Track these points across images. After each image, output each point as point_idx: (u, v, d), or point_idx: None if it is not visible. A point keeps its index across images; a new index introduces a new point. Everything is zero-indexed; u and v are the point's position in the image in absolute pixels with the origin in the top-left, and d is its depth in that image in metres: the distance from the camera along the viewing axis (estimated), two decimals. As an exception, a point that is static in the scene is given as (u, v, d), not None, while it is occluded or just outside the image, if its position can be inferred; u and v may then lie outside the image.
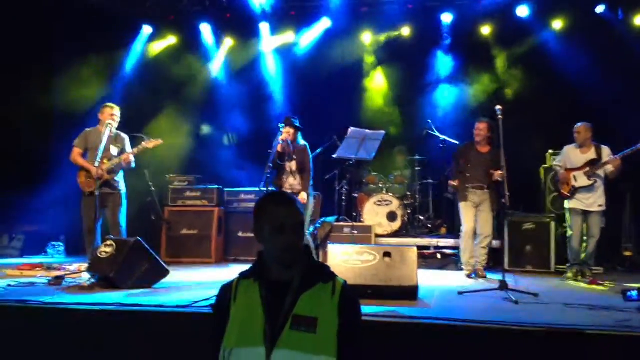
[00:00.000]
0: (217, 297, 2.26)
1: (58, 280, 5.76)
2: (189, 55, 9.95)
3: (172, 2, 9.86)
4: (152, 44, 10.03)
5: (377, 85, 9.90)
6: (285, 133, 6.41)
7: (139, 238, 5.72)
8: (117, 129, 6.82)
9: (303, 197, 6.37)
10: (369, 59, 9.94)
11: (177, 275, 6.44)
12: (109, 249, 5.67)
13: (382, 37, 9.76)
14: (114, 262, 5.50)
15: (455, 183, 6.93)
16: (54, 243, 8.86)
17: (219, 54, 10.05)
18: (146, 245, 5.70)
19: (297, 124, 6.54)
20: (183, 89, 9.81)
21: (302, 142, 6.63)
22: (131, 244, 5.61)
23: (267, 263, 2.19)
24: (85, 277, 5.84)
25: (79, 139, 6.75)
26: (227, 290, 2.22)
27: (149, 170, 8.02)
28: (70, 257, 8.37)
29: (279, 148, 6.39)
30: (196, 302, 4.58)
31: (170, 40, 10.10)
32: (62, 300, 4.76)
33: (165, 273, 5.77)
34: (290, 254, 2.12)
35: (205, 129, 10.40)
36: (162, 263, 5.87)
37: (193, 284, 5.94)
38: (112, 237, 6.06)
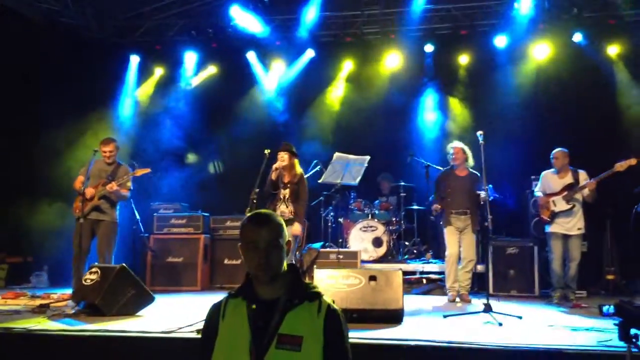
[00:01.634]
0: (206, 315, 2.30)
1: (43, 308, 5.72)
2: (174, 84, 10.07)
3: (160, 32, 10.02)
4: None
5: (361, 111, 10.03)
6: (280, 160, 6.40)
7: (124, 264, 5.70)
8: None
9: (296, 228, 6.33)
10: (354, 86, 10.11)
11: (163, 302, 6.41)
12: (93, 276, 5.64)
13: (366, 67, 9.95)
14: (98, 289, 5.47)
15: (437, 207, 7.02)
16: (37, 273, 8.78)
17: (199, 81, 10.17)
18: (131, 272, 5.68)
19: (294, 151, 6.55)
20: (170, 117, 9.87)
21: (299, 170, 6.59)
22: (116, 271, 5.59)
23: (254, 282, 2.24)
24: (71, 305, 5.79)
25: (82, 167, 6.96)
26: (216, 309, 2.26)
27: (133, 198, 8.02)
28: (54, 287, 8.29)
29: (272, 175, 6.38)
30: (181, 327, 4.57)
31: (158, 72, 10.22)
32: (47, 327, 4.73)
33: (150, 299, 5.74)
34: (262, 271, 2.17)
35: (192, 157, 10.44)
36: (147, 289, 5.84)
37: (178, 311, 5.92)
38: (97, 264, 6.04)
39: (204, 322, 2.31)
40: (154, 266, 8.33)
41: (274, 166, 6.39)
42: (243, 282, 2.27)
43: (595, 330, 4.72)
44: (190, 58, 10.07)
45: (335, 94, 10.11)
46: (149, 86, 10.21)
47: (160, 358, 4.23)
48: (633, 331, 2.35)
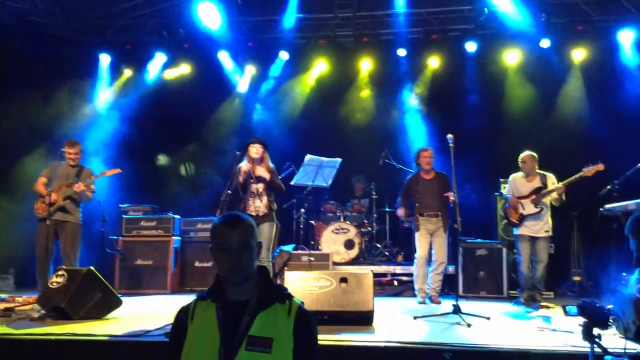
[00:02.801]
0: (174, 318, 2.28)
1: (7, 312, 5.58)
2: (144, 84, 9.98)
3: (131, 32, 9.90)
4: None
5: (334, 113, 10.07)
6: (255, 152, 6.30)
7: (92, 267, 5.61)
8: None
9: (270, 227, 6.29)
10: (329, 87, 10.14)
11: (131, 305, 6.33)
12: (60, 279, 5.53)
13: (339, 69, 9.98)
14: (65, 292, 5.37)
15: (401, 212, 7.10)
16: (3, 276, 8.57)
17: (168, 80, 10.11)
18: (99, 275, 5.59)
19: (266, 144, 6.48)
20: (138, 117, 9.75)
21: (270, 163, 6.50)
22: (83, 274, 5.49)
23: (224, 284, 2.23)
24: (36, 308, 5.67)
25: (45, 169, 6.86)
26: (184, 312, 2.25)
27: (102, 200, 7.90)
28: (21, 290, 8.11)
29: (245, 167, 6.26)
30: (149, 331, 4.51)
31: (127, 73, 10.10)
32: (11, 332, 4.62)
33: (119, 303, 5.66)
34: (233, 273, 2.16)
35: (162, 159, 10.34)
36: (115, 293, 5.76)
37: (146, 314, 5.84)
38: (64, 266, 5.93)
39: (172, 324, 2.28)
40: (122, 269, 8.19)
41: (240, 166, 6.27)
42: (212, 284, 2.26)
43: (561, 330, 4.80)
44: (160, 58, 9.95)
45: (308, 96, 10.11)
46: (119, 86, 10.06)
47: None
48: (596, 331, 2.39)
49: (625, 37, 8.81)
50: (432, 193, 6.91)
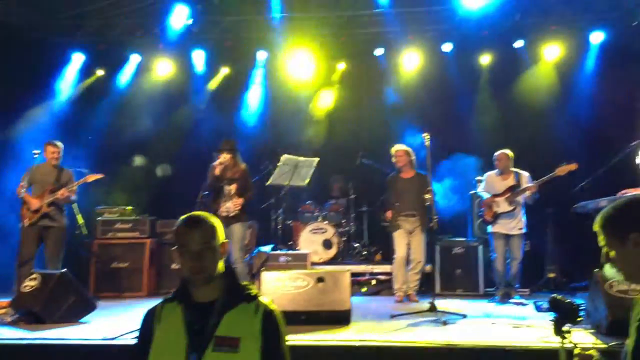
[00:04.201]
0: (142, 320, 2.28)
1: (-21, 317, 5.49)
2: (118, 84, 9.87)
3: (104, 31, 9.76)
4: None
5: (318, 111, 10.07)
6: (222, 158, 6.30)
7: (66, 270, 5.53)
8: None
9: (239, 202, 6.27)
10: (310, 87, 10.13)
11: (106, 308, 6.25)
12: (33, 283, 5.46)
13: (317, 68, 9.98)
14: (38, 296, 5.31)
15: (389, 214, 7.11)
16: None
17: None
18: (73, 278, 5.52)
19: (235, 148, 6.46)
20: (113, 118, 9.63)
21: (242, 164, 6.50)
22: (57, 277, 5.44)
23: (189, 285, 2.22)
24: (10, 312, 5.57)
25: (25, 174, 6.82)
26: (151, 314, 2.25)
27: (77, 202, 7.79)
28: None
29: (216, 171, 6.25)
30: (123, 334, 4.47)
31: (98, 73, 9.98)
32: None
33: (93, 306, 5.60)
34: (195, 274, 2.16)
35: (138, 160, 10.23)
36: (90, 296, 5.69)
37: (121, 317, 5.78)
38: (37, 270, 5.85)
39: (139, 327, 2.27)
40: (98, 272, 8.07)
41: (218, 161, 6.26)
42: (178, 285, 2.26)
43: (535, 326, 4.87)
44: (134, 58, 9.85)
45: (286, 95, 10.08)
46: (92, 85, 9.91)
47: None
48: (566, 326, 2.41)
49: (595, 38, 8.93)
50: (410, 193, 6.94)
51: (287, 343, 2.24)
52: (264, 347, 2.11)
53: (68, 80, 9.71)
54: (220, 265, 2.23)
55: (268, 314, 2.18)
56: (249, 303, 2.18)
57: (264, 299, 2.23)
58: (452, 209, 8.30)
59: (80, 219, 7.56)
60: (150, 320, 2.22)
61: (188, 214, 2.27)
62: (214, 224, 2.24)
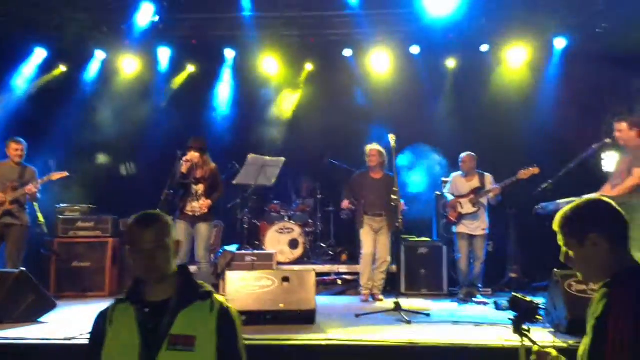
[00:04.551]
0: (93, 323, 2.24)
1: None
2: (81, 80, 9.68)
3: (67, 27, 9.54)
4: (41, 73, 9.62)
5: (285, 111, 10.04)
6: (190, 156, 6.17)
7: (24, 269, 5.40)
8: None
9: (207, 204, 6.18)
10: (278, 87, 10.09)
11: (67, 308, 6.13)
12: (-10, 282, 5.30)
13: (285, 69, 9.96)
14: (-5, 296, 5.15)
15: (345, 204, 7.16)
16: None
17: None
18: (31, 277, 5.39)
19: (204, 147, 6.33)
20: (78, 115, 9.43)
21: (212, 164, 6.40)
22: (15, 276, 5.30)
23: (142, 285, 2.19)
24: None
25: None
26: (103, 316, 2.22)
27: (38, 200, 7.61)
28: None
29: (183, 168, 6.12)
30: (82, 334, 4.37)
31: (61, 68, 9.75)
32: None
33: (52, 306, 5.47)
34: (148, 273, 2.15)
35: (102, 157, 10.05)
36: (49, 295, 5.56)
37: (81, 317, 5.66)
38: (-5, 269, 5.69)
39: (90, 330, 2.23)
40: (59, 271, 7.88)
41: (185, 158, 6.12)
42: (130, 285, 2.22)
43: (497, 325, 4.94)
44: (99, 55, 9.66)
45: (253, 95, 10.03)
46: (55, 82, 9.67)
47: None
48: (526, 325, 2.45)
49: (559, 43, 9.12)
50: (378, 193, 6.99)
51: (243, 341, 2.23)
52: (220, 345, 2.10)
53: (27, 76, 9.46)
54: (174, 264, 2.20)
55: (224, 312, 2.17)
56: (204, 301, 2.17)
57: (219, 297, 2.22)
58: (417, 210, 8.36)
59: (40, 218, 7.38)
60: (101, 322, 2.19)
61: (140, 213, 2.24)
62: (166, 222, 2.22)
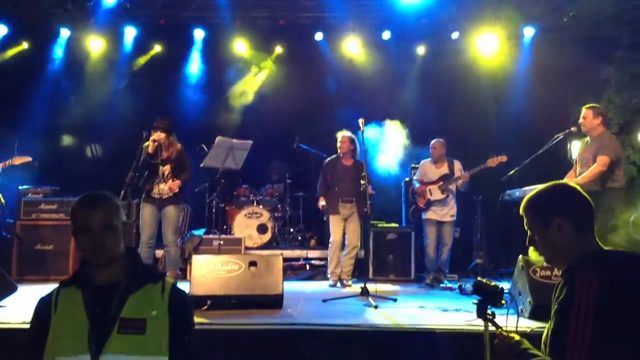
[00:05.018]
0: (34, 310, 2.16)
1: None
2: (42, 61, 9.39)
3: (31, 4, 9.23)
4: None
5: (255, 94, 9.93)
6: (156, 136, 6.03)
7: (-18, 252, 5.24)
8: None
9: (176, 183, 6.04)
10: (249, 69, 9.97)
11: (28, 292, 5.95)
12: (-54, 265, 5.13)
13: (255, 51, 9.84)
14: (-49, 279, 4.99)
15: (322, 202, 7.13)
16: None
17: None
18: (-10, 260, 5.24)
19: (170, 127, 6.21)
20: (37, 95, 9.18)
21: (178, 144, 6.26)
22: (-27, 259, 5.13)
23: (89, 268, 2.12)
24: None
25: None
26: (45, 303, 2.14)
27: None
28: None
29: (149, 149, 5.97)
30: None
31: (24, 45, 9.43)
32: None
33: (12, 289, 5.32)
34: (96, 256, 2.07)
35: (67, 139, 9.81)
36: (10, 278, 5.41)
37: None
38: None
39: (31, 318, 2.15)
40: (21, 254, 7.68)
41: (152, 138, 5.98)
42: (77, 269, 2.15)
43: (463, 310, 4.99)
44: (64, 33, 9.37)
45: (224, 77, 9.89)
46: (16, 59, 9.36)
47: (20, 349, 3.91)
48: (490, 309, 2.46)
49: (528, 32, 9.20)
50: (349, 179, 6.99)
51: (194, 324, 2.21)
52: (172, 327, 2.06)
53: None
54: (122, 247, 2.14)
55: (175, 294, 2.13)
56: (155, 284, 2.11)
57: (170, 279, 2.17)
58: (386, 196, 8.38)
59: (1, 198, 7.18)
60: (45, 311, 2.11)
61: (86, 193, 2.16)
62: (115, 202, 2.15)
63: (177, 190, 6.07)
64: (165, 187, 6.06)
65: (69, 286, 2.12)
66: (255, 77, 10.02)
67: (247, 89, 9.89)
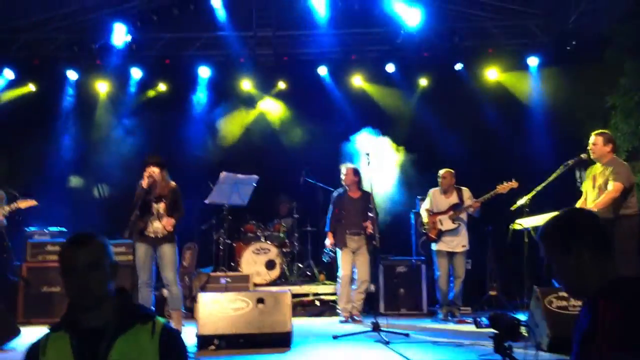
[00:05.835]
0: (24, 356, 2.07)
1: None
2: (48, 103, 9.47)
3: (39, 47, 9.39)
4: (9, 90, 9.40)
5: (257, 132, 9.94)
6: (151, 174, 5.81)
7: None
8: None
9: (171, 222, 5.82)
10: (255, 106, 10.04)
11: (34, 335, 5.85)
12: (-50, 309, 5.06)
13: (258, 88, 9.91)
14: (-45, 324, 4.91)
15: (330, 240, 7.05)
16: None
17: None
18: (-6, 303, 5.16)
19: (163, 163, 5.99)
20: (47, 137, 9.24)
21: (171, 182, 6.04)
22: (-24, 303, 5.05)
23: (76, 311, 2.04)
24: None
25: None
26: (34, 348, 2.06)
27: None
28: None
29: (144, 183, 5.76)
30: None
31: (30, 87, 9.54)
32: None
33: (16, 332, 5.23)
34: (80, 297, 1.99)
35: (74, 180, 9.82)
36: (13, 322, 5.32)
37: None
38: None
39: None
40: (27, 297, 7.59)
41: (145, 173, 5.78)
42: (64, 312, 2.06)
43: (478, 345, 4.84)
44: (71, 75, 9.48)
45: (229, 114, 9.92)
46: (24, 103, 9.45)
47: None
48: (507, 343, 2.36)
49: (532, 62, 9.23)
50: (357, 212, 6.92)
51: None
52: None
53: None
54: (111, 288, 2.06)
55: (166, 334, 2.03)
56: (144, 324, 2.02)
57: (161, 319, 2.08)
58: (395, 228, 8.28)
59: (7, 241, 7.13)
60: (33, 355, 2.02)
61: (74, 233, 2.09)
62: (101, 242, 2.07)
63: (171, 228, 5.90)
64: (160, 226, 5.83)
65: (58, 330, 2.04)
66: (259, 113, 10.05)
67: (251, 125, 9.90)
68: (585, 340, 1.77)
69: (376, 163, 6.47)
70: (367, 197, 6.87)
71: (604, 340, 1.69)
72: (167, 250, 5.75)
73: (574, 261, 1.92)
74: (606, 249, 1.94)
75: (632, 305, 1.75)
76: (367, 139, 8.66)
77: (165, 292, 6.67)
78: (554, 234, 2.01)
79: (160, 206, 5.84)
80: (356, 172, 7.05)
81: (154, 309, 5.80)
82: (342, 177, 7.10)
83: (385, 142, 8.76)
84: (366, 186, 7.03)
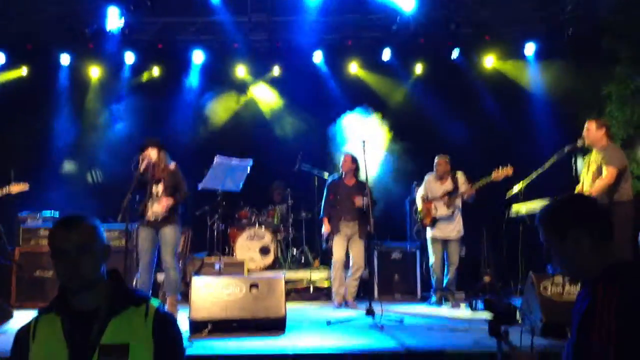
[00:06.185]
0: (13, 340, 2.05)
1: None
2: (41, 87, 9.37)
3: (32, 31, 9.25)
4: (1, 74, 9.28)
5: (252, 117, 9.88)
6: (149, 157, 5.73)
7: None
8: None
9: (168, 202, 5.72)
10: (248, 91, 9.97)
11: (26, 319, 5.83)
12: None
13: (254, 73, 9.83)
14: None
15: (326, 227, 7.04)
16: None
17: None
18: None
19: (161, 144, 5.93)
20: (40, 122, 9.15)
21: (171, 163, 5.96)
22: (-32, 287, 5.02)
23: (68, 293, 2.02)
24: None
25: None
26: (24, 331, 2.03)
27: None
28: None
29: (142, 165, 5.65)
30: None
31: (23, 70, 9.43)
32: None
33: (9, 316, 5.22)
34: (71, 281, 1.96)
35: (67, 165, 9.74)
36: (6, 306, 5.30)
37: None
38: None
39: (10, 348, 2.04)
40: (20, 281, 7.56)
41: (142, 155, 5.69)
42: (56, 295, 2.03)
43: (472, 329, 4.85)
44: (64, 58, 9.37)
45: (222, 99, 9.85)
46: (16, 87, 9.34)
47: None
48: (502, 327, 2.35)
49: (529, 50, 9.19)
50: (351, 199, 6.89)
51: (183, 348, 2.09)
52: (157, 352, 1.94)
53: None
54: (102, 271, 2.04)
55: (160, 316, 2.01)
56: (138, 307, 2.00)
57: (155, 302, 2.06)
58: (390, 214, 8.27)
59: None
60: (23, 340, 2.00)
61: (64, 216, 2.06)
62: (93, 225, 2.04)
63: (170, 206, 5.73)
64: (159, 208, 5.75)
65: (48, 313, 2.01)
66: (253, 98, 9.98)
67: (245, 110, 9.84)
68: (584, 323, 1.76)
69: (372, 150, 6.43)
70: (362, 186, 6.84)
71: (603, 324, 1.68)
72: (167, 232, 5.69)
73: (573, 246, 1.90)
74: (604, 234, 1.92)
75: (632, 290, 1.74)
76: (362, 124, 8.64)
77: (161, 276, 6.61)
78: (551, 220, 1.99)
79: (159, 188, 5.78)
80: (354, 160, 7.03)
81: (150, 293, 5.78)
82: (342, 163, 7.09)
83: (381, 129, 8.73)
84: (362, 172, 6.99)
